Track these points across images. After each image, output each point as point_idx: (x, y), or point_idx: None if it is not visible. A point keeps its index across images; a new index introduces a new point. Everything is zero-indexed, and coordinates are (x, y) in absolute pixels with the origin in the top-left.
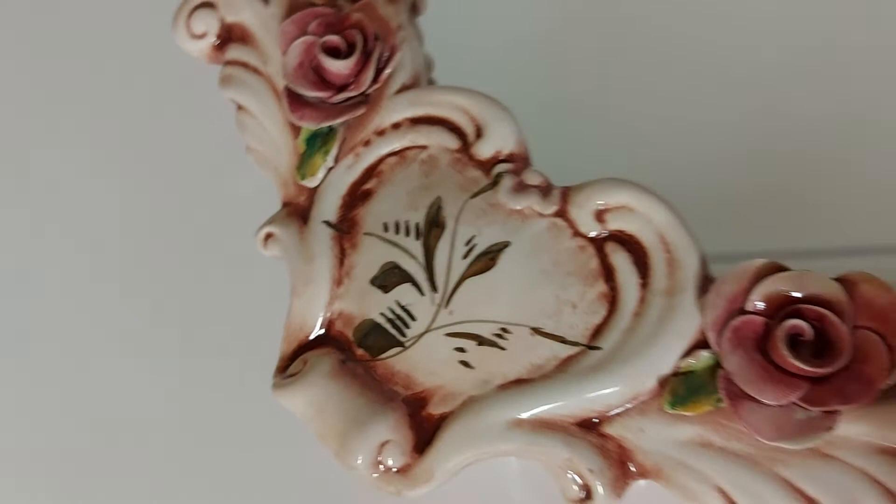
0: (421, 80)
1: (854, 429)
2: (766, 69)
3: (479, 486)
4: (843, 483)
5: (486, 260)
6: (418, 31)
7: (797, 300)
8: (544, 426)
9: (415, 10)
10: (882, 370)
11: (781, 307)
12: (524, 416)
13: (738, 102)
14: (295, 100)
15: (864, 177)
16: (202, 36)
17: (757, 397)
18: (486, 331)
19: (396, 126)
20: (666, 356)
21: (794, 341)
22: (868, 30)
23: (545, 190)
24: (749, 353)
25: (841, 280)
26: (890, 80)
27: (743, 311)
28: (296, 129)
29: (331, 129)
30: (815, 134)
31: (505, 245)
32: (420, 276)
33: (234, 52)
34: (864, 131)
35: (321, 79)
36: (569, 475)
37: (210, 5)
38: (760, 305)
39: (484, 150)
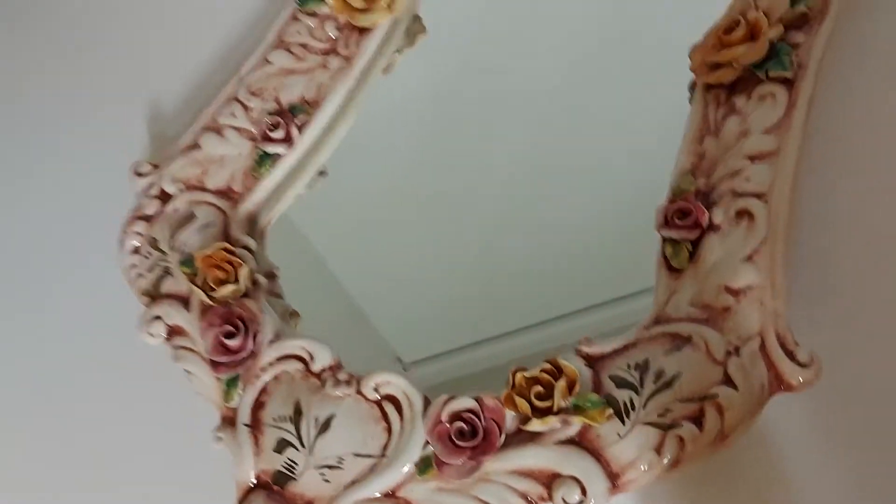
0: (282, 333)
1: (493, 465)
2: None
3: None
4: (498, 491)
5: (325, 425)
6: (279, 289)
7: (460, 412)
8: (370, 500)
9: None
10: (496, 441)
11: (453, 417)
12: (361, 497)
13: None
14: (215, 365)
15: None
16: (157, 335)
17: (449, 462)
18: (333, 461)
19: (271, 364)
20: (415, 450)
21: (461, 431)
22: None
23: (349, 381)
24: (444, 442)
25: (477, 399)
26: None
27: (439, 422)
28: (219, 379)
29: (237, 375)
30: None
31: (333, 415)
32: (296, 441)
33: (178, 341)
34: None
35: (226, 349)
36: None
37: (159, 317)
38: (445, 417)
39: (316, 367)
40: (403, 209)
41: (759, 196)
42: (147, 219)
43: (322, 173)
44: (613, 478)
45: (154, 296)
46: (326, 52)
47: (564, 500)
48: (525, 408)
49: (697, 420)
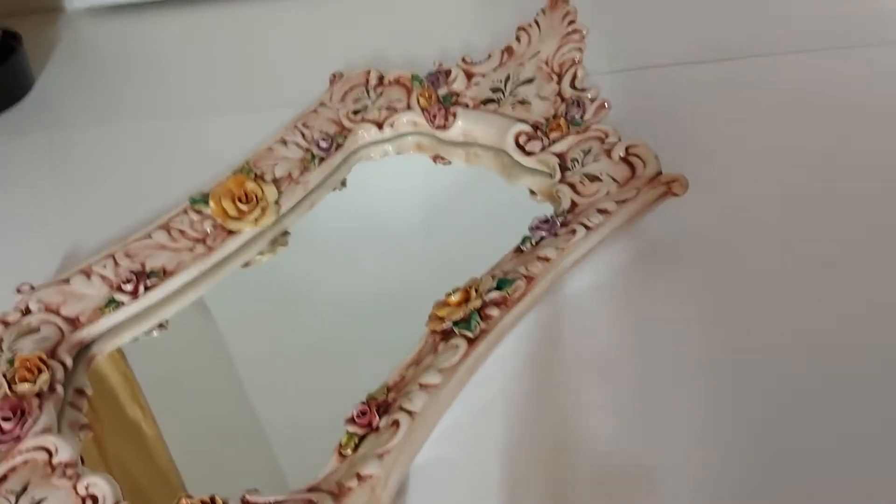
0: (51, 430)
1: None
2: None
3: None
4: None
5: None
6: (81, 404)
7: None
8: None
9: (80, 392)
10: None
11: None
12: None
13: None
14: None
15: None
16: None
17: None
18: None
19: (28, 450)
20: None
21: None
22: None
23: (71, 476)
24: None
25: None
26: None
27: None
28: None
29: None
30: None
31: (45, 498)
32: None
33: None
34: None
35: (1, 430)
36: None
37: None
38: None
39: (56, 460)
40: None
41: (410, 413)
42: (6, 324)
43: (162, 326)
44: None
45: None
46: (196, 241)
47: None
48: None
49: None
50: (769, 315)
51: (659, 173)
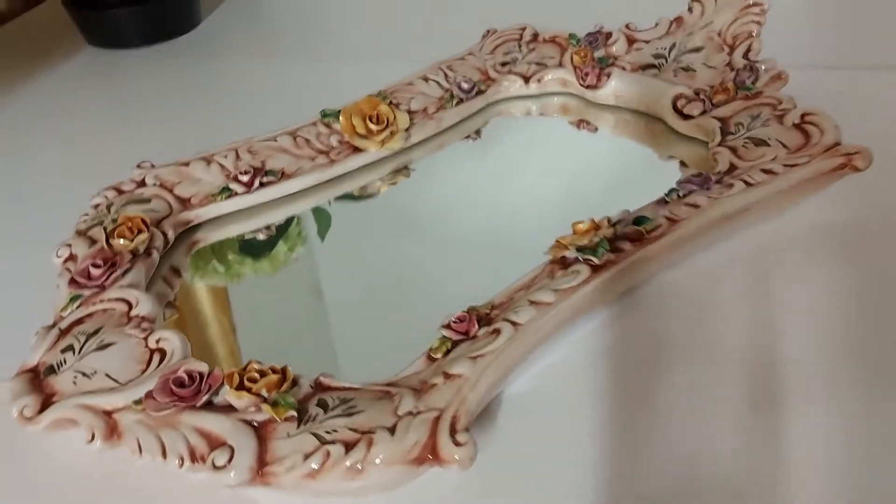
0: (136, 286)
1: (186, 417)
2: None
3: None
4: (175, 438)
5: (104, 346)
6: (172, 281)
7: (192, 370)
8: (89, 409)
9: (175, 272)
10: (199, 399)
11: (185, 372)
12: (83, 403)
13: None
14: (72, 282)
15: None
16: (60, 257)
17: (155, 397)
18: (88, 371)
19: (109, 300)
20: (145, 390)
21: (181, 382)
22: None
23: (145, 329)
24: (163, 383)
25: (212, 367)
26: None
27: (174, 371)
28: (70, 293)
29: (80, 295)
30: None
31: (114, 343)
32: (77, 348)
33: (68, 264)
34: None
35: (88, 276)
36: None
37: (69, 245)
38: (180, 370)
39: (133, 312)
40: None
41: (513, 324)
42: (119, 191)
43: (268, 228)
44: (262, 463)
45: (81, 232)
46: (320, 152)
47: (214, 462)
48: (235, 381)
49: (349, 446)
50: None
51: (837, 144)
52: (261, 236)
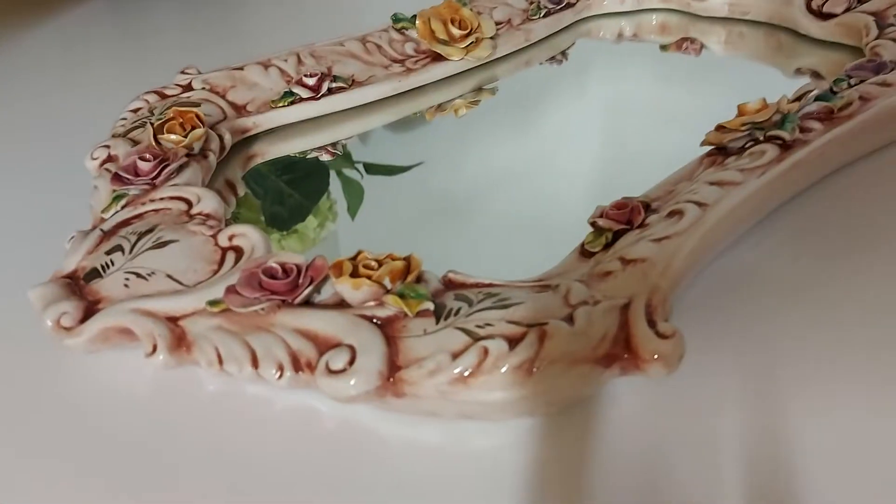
0: (194, 184)
1: (283, 316)
2: None
3: None
4: (271, 343)
5: (162, 244)
6: (233, 189)
7: (285, 262)
8: (149, 314)
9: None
10: (299, 291)
11: (277, 264)
12: (142, 308)
13: None
14: (117, 178)
15: None
16: (97, 158)
17: (239, 291)
18: (144, 272)
19: (162, 199)
20: (221, 290)
21: (272, 273)
22: None
23: (212, 226)
24: (247, 274)
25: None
26: None
27: (261, 265)
28: (114, 191)
29: (126, 193)
30: None
31: (176, 241)
32: (127, 247)
33: (107, 165)
34: None
35: (135, 172)
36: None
37: (106, 147)
38: (269, 263)
39: (195, 210)
40: None
41: (699, 204)
42: (162, 95)
43: (334, 146)
44: (393, 368)
45: (119, 135)
46: (394, 60)
47: (328, 365)
48: (347, 269)
49: (513, 341)
50: None
51: None
52: (325, 156)
